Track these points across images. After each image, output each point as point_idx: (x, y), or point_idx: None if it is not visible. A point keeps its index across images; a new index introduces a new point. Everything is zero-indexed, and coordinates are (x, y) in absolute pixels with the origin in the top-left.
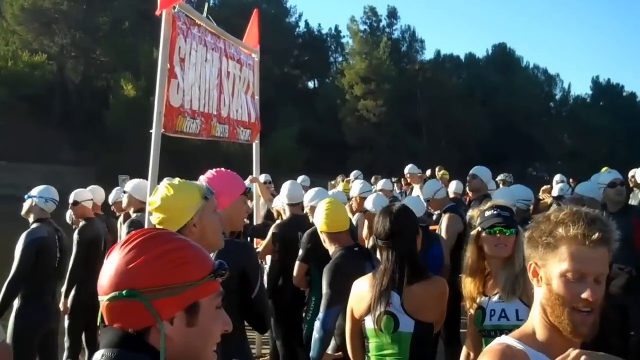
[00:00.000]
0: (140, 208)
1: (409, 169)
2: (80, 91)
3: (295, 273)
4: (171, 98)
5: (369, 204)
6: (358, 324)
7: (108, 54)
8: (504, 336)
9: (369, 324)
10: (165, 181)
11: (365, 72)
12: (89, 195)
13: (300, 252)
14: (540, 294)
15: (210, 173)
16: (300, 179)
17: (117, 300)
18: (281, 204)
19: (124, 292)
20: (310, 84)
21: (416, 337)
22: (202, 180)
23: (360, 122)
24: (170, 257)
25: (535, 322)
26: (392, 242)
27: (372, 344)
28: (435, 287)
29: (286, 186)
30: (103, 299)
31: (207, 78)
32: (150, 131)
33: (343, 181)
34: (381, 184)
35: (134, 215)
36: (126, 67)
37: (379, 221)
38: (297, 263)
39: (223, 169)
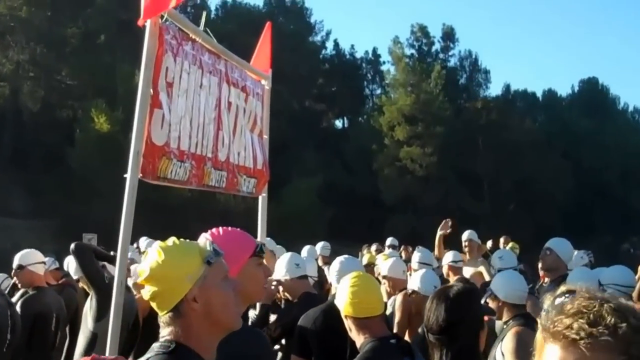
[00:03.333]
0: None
1: (468, 234)
2: (39, 122)
3: None
4: (153, 133)
5: (414, 283)
6: None
7: (76, 75)
8: None
9: None
10: (156, 243)
11: (411, 109)
12: (39, 256)
13: (296, 342)
14: None
15: (209, 233)
16: (320, 245)
17: None
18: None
19: None
20: (338, 123)
21: None
22: (202, 239)
23: (402, 175)
24: None
25: None
26: (448, 338)
27: None
28: None
29: (284, 257)
30: None
31: (202, 109)
32: (125, 175)
33: (377, 251)
34: (419, 256)
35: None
36: (99, 92)
37: (431, 308)
38: (292, 357)
39: (224, 228)
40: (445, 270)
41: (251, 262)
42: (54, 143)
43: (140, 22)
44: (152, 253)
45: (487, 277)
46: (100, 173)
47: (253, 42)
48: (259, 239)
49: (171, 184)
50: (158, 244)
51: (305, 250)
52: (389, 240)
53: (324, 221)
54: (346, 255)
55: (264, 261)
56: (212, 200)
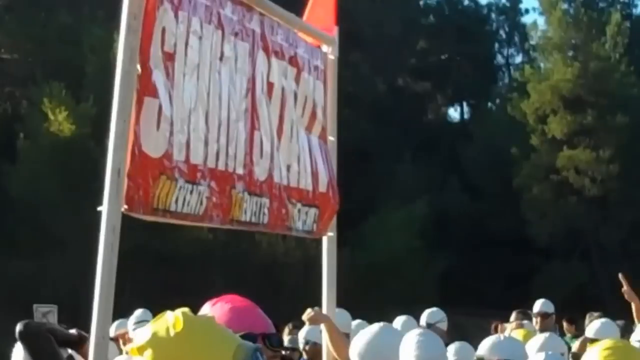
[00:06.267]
0: None
1: None
2: None
3: None
4: (144, 138)
5: None
6: None
7: (17, 44)
8: None
9: None
10: (170, 316)
11: (574, 87)
12: None
13: None
14: None
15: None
16: (428, 315)
17: None
18: None
19: None
20: (454, 113)
21: None
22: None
23: (561, 196)
24: None
25: None
26: None
27: None
28: None
29: (361, 341)
30: None
31: (224, 96)
32: (99, 208)
33: (520, 322)
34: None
35: None
36: (54, 72)
37: None
38: None
39: (233, 298)
40: None
41: None
42: None
43: None
44: (159, 326)
45: None
46: (59, 205)
47: None
48: (324, 307)
49: (178, 221)
50: (175, 315)
51: (400, 324)
52: (538, 305)
53: (432, 276)
54: (506, 335)
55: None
56: (249, 246)
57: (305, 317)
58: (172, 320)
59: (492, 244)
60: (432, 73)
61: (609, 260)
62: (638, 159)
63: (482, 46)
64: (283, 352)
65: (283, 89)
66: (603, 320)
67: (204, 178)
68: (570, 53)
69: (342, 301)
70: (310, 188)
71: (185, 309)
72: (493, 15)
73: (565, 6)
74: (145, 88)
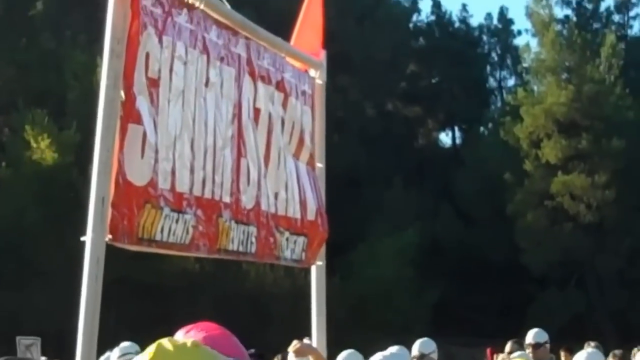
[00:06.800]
0: None
1: None
2: None
3: None
4: (128, 166)
5: None
6: None
7: None
8: None
9: None
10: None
11: (568, 110)
12: None
13: None
14: None
15: (185, 332)
16: (419, 345)
17: None
18: None
19: None
20: (445, 138)
21: None
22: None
23: (555, 222)
24: None
25: None
26: None
27: None
28: None
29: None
30: None
31: (210, 123)
32: (82, 238)
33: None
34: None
35: None
36: (37, 99)
37: None
38: None
39: (209, 326)
40: None
41: None
42: None
43: None
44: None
45: None
46: (41, 235)
47: (293, 7)
48: (314, 338)
49: (163, 250)
50: (153, 347)
51: (394, 353)
52: (530, 335)
53: (424, 305)
54: None
55: None
56: (236, 276)
57: (291, 349)
58: (149, 349)
59: (486, 272)
60: (423, 97)
61: (605, 289)
62: (634, 184)
63: (474, 69)
64: None
65: (270, 115)
66: (589, 350)
67: (190, 206)
68: (564, 76)
69: (332, 332)
70: (298, 216)
71: (165, 339)
72: (485, 38)
73: (558, 27)
74: (129, 115)
